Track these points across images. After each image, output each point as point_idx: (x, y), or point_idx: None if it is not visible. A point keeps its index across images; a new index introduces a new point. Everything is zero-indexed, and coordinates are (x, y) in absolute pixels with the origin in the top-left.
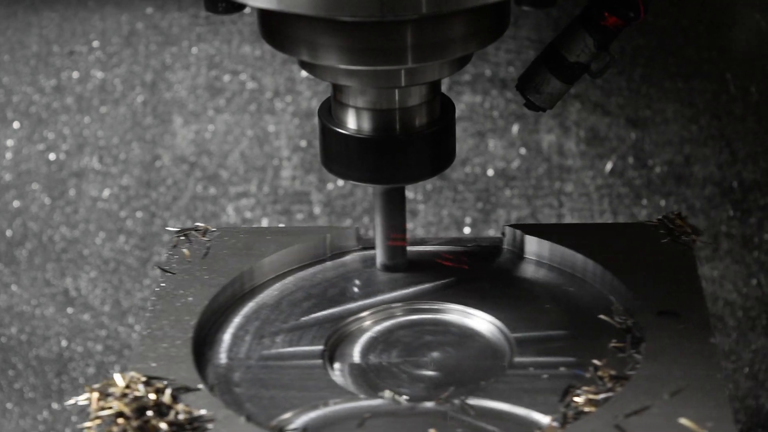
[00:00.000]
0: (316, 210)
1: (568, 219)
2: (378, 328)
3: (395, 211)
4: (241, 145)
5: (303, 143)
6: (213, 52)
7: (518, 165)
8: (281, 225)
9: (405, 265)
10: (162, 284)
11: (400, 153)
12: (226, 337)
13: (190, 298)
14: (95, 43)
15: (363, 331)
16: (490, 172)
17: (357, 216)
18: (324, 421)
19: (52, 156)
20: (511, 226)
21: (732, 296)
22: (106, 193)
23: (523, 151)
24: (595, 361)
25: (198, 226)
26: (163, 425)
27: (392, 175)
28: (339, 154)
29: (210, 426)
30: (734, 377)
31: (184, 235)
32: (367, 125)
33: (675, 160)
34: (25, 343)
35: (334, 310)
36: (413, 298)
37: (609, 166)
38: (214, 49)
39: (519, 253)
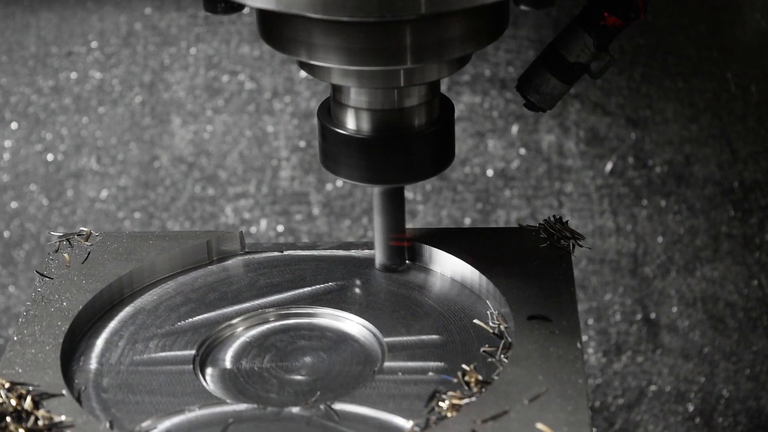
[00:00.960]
0: (315, 211)
1: (569, 219)
2: (252, 332)
3: (395, 211)
4: (240, 145)
5: (302, 144)
6: (211, 53)
7: (518, 165)
8: (165, 229)
9: (403, 265)
10: (39, 289)
11: (400, 153)
12: (99, 342)
13: (65, 303)
14: (93, 44)
15: (237, 336)
16: (490, 173)
17: (356, 216)
18: (187, 426)
19: (49, 156)
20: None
21: (733, 297)
22: (104, 193)
23: (522, 151)
24: (464, 366)
25: (81, 230)
26: (21, 431)
27: (392, 175)
28: (338, 154)
29: (69, 431)
30: (735, 378)
31: (67, 240)
32: (366, 125)
33: (675, 160)
34: None
35: (210, 314)
36: (290, 302)
37: (609, 166)
38: (212, 49)
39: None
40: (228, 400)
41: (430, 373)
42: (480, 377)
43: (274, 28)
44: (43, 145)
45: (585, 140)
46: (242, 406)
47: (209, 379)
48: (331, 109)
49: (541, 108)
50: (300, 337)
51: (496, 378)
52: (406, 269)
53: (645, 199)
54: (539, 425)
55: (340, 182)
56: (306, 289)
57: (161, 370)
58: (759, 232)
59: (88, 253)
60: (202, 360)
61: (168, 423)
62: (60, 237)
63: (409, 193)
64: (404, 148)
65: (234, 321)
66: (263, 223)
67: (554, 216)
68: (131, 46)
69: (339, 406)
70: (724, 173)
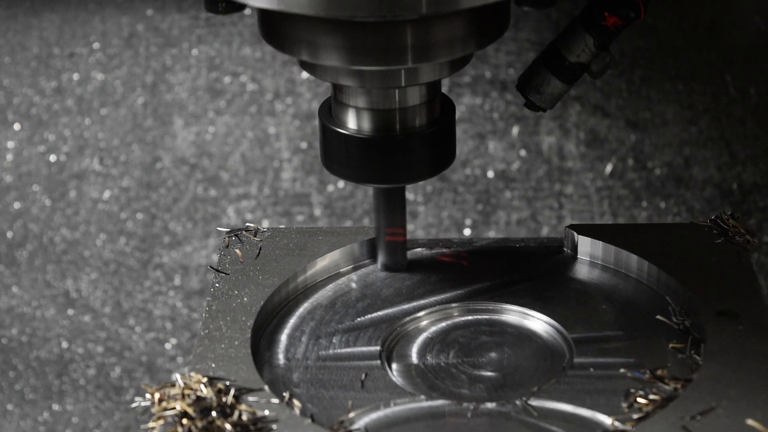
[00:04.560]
0: (317, 212)
1: (568, 221)
2: (434, 328)
3: (395, 211)
4: (242, 146)
5: (303, 145)
6: (213, 54)
7: (518, 167)
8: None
9: (405, 264)
10: (216, 284)
11: (400, 153)
12: (283, 337)
13: (245, 299)
14: (96, 45)
15: (419, 331)
16: (490, 174)
17: (357, 218)
18: (385, 421)
19: (52, 158)
20: (568, 227)
21: None
22: (106, 194)
23: (523, 152)
24: (656, 367)
25: (249, 226)
26: (228, 426)
27: (392, 175)
28: (339, 154)
29: (274, 426)
30: None
31: (235, 236)
32: (367, 125)
33: (675, 162)
34: (26, 345)
35: (389, 310)
36: (469, 297)
37: (609, 168)
38: (214, 50)
39: (572, 254)
40: (422, 396)
41: (622, 370)
42: (674, 374)
43: (275, 28)
44: (46, 146)
45: (585, 142)
46: (438, 402)
47: (397, 374)
48: (332, 108)
49: (542, 108)
50: (481, 332)
51: (695, 375)
52: (574, 264)
53: (645, 201)
54: (750, 421)
55: (341, 183)
56: (482, 285)
57: (349, 366)
58: (758, 234)
59: (260, 249)
60: (388, 355)
61: (367, 418)
62: (228, 233)
63: (409, 194)
64: (405, 148)
65: (416, 316)
66: (265, 224)
67: (724, 211)
68: (133, 47)
69: (534, 402)
70: (723, 175)
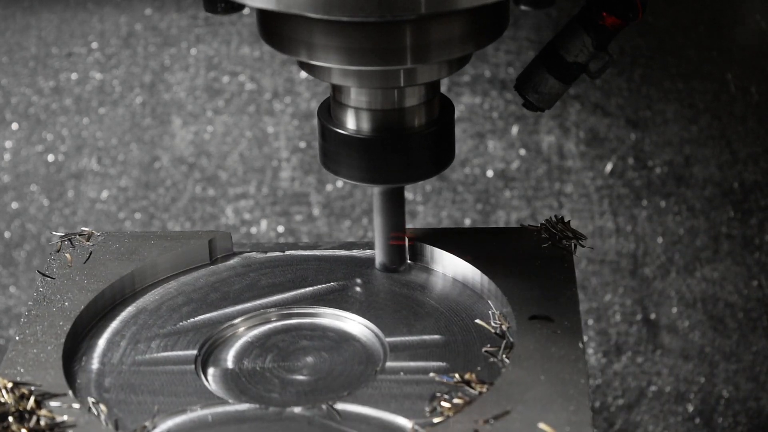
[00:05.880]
0: (315, 211)
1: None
2: (254, 332)
3: (395, 211)
4: (240, 146)
5: (302, 144)
6: (212, 54)
7: (518, 166)
8: (165, 230)
9: (404, 264)
10: (40, 289)
11: (400, 153)
12: (101, 342)
13: (66, 303)
14: (94, 45)
15: (239, 336)
16: (490, 173)
17: (356, 217)
18: (189, 426)
19: (50, 157)
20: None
21: (733, 298)
22: (104, 194)
23: (522, 152)
24: (467, 371)
25: (83, 230)
26: (23, 431)
27: (391, 175)
28: (338, 154)
29: (71, 431)
30: (735, 379)
31: (69, 240)
32: (366, 125)
33: (675, 161)
34: None
35: (212, 314)
36: (292, 302)
37: (609, 166)
38: (213, 50)
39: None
40: (230, 400)
41: (432, 374)
42: (479, 378)
43: (274, 28)
44: (44, 145)
45: (585, 141)
46: (244, 406)
47: (211, 379)
48: (331, 109)
49: (540, 108)
50: (302, 337)
51: (497, 379)
52: (407, 269)
53: (645, 200)
54: (541, 425)
55: (340, 183)
56: (308, 289)
57: (163, 370)
58: (759, 233)
59: (90, 253)
60: (204, 360)
61: (170, 423)
62: (61, 237)
63: (409, 194)
64: (404, 148)
65: (236, 321)
66: (263, 223)
67: (555, 216)
68: (132, 46)
69: (341, 405)
70: (723, 174)
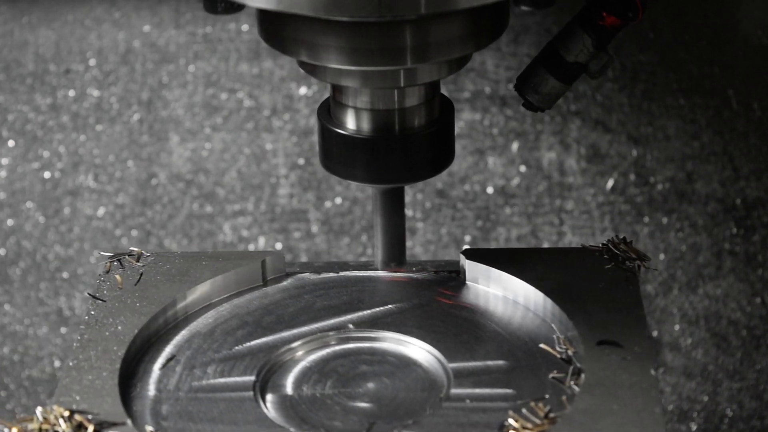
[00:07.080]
0: (314, 228)
1: (569, 237)
2: (313, 357)
3: (395, 211)
4: (238, 163)
5: (301, 161)
6: (210, 70)
7: (518, 182)
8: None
9: (404, 265)
10: (92, 312)
11: (400, 153)
12: (156, 367)
13: (120, 327)
14: (92, 62)
15: (296, 360)
16: (490, 190)
17: (355, 234)
18: None
19: (47, 174)
20: (462, 252)
21: (736, 315)
22: (101, 211)
23: (523, 168)
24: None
25: (132, 250)
26: None
27: (392, 175)
28: (338, 154)
29: None
30: (739, 397)
31: (117, 261)
32: (366, 125)
33: (677, 177)
34: (18, 363)
35: (268, 338)
36: (352, 324)
37: (610, 183)
38: (211, 67)
39: (461, 279)
40: (291, 429)
41: (499, 401)
42: (549, 406)
43: (274, 29)
44: (41, 162)
45: (586, 157)
46: None
47: (270, 406)
48: (330, 109)
49: (540, 108)
50: (361, 362)
51: (568, 408)
52: (466, 290)
53: (647, 217)
54: None
55: (339, 200)
56: (365, 312)
57: (221, 397)
58: (762, 250)
59: (141, 275)
60: (262, 386)
61: None
62: (110, 257)
63: (408, 211)
64: (404, 148)
65: (293, 345)
66: (261, 240)
67: (617, 236)
68: (129, 63)
69: None
70: (726, 190)
